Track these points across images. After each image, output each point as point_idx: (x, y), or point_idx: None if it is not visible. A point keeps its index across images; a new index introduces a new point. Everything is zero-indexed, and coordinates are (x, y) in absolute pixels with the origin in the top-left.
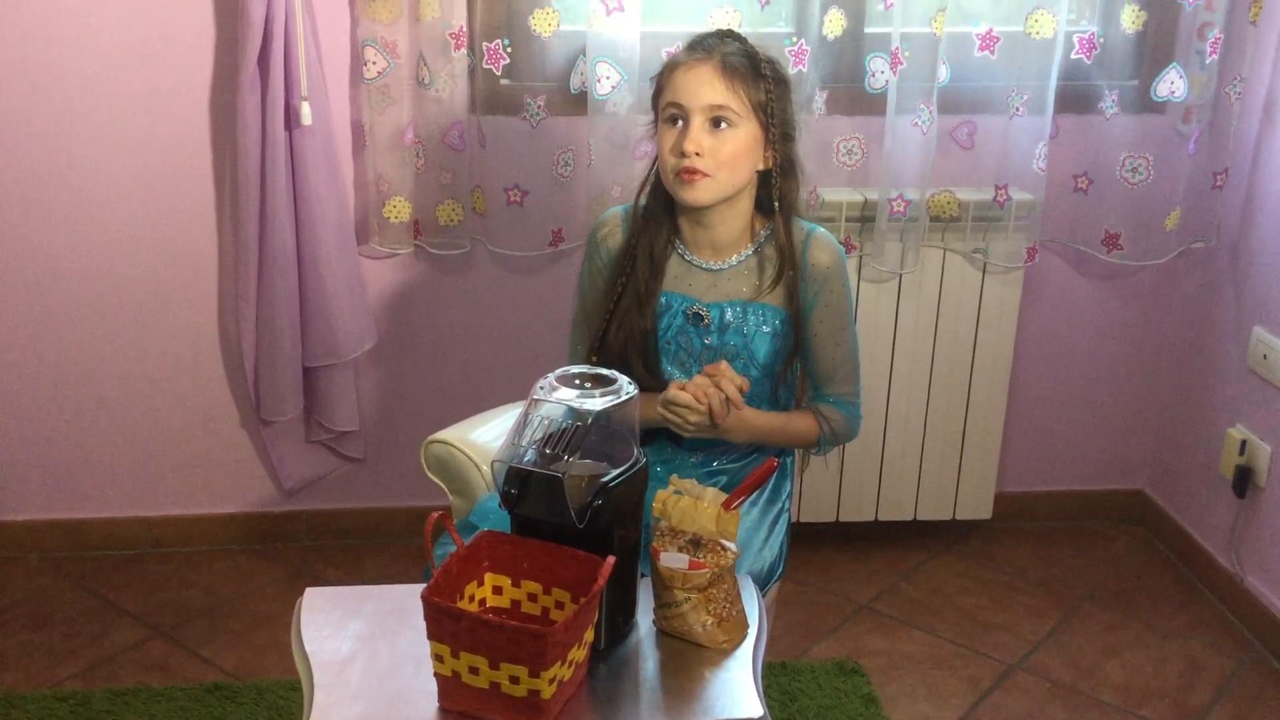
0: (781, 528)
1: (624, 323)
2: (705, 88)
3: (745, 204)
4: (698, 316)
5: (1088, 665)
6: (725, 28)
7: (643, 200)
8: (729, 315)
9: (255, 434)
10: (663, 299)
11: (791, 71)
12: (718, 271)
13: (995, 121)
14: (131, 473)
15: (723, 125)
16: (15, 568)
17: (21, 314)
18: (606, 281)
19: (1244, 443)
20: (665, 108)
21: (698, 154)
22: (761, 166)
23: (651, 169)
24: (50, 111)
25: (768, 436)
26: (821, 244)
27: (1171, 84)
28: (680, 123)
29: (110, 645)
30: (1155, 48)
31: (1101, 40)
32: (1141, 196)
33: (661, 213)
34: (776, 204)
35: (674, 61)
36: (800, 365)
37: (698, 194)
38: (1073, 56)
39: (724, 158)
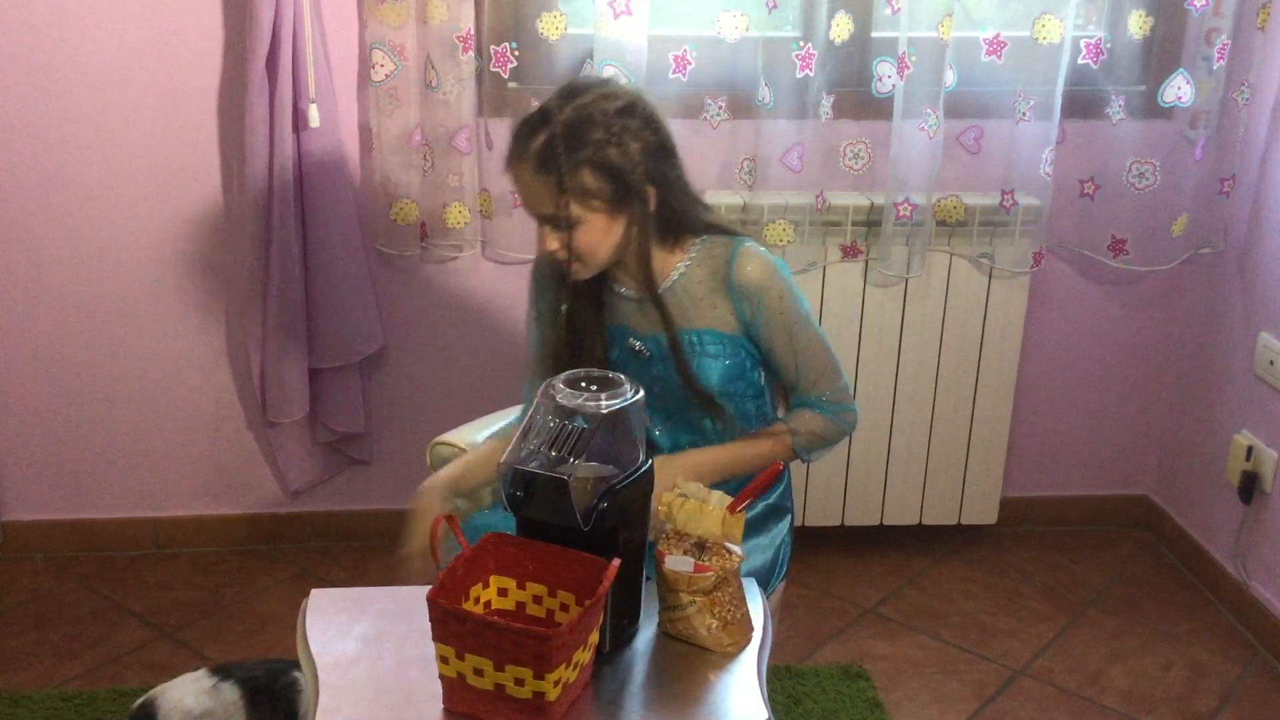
0: (784, 524)
1: (586, 353)
2: (530, 196)
3: (643, 244)
4: (636, 351)
5: (1093, 671)
6: (564, 87)
7: None
8: (667, 346)
9: (261, 435)
10: (607, 331)
11: (798, 75)
12: (646, 300)
13: (1002, 126)
14: (137, 473)
15: (562, 227)
16: (21, 568)
17: (27, 314)
18: (552, 310)
19: (1250, 448)
20: None
21: (557, 251)
22: (650, 208)
23: None
24: (58, 113)
25: (726, 470)
26: (747, 259)
27: (1179, 90)
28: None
29: (115, 645)
30: (1162, 53)
31: (1109, 46)
32: (1148, 202)
33: None
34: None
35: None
36: (767, 375)
37: (580, 276)
38: (1080, 62)
39: (580, 250)
